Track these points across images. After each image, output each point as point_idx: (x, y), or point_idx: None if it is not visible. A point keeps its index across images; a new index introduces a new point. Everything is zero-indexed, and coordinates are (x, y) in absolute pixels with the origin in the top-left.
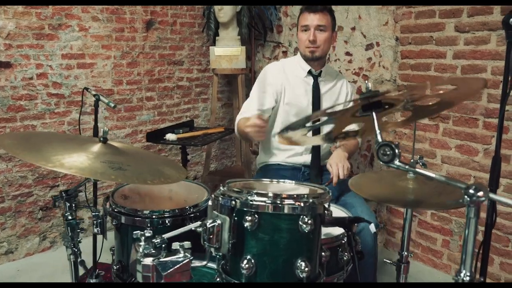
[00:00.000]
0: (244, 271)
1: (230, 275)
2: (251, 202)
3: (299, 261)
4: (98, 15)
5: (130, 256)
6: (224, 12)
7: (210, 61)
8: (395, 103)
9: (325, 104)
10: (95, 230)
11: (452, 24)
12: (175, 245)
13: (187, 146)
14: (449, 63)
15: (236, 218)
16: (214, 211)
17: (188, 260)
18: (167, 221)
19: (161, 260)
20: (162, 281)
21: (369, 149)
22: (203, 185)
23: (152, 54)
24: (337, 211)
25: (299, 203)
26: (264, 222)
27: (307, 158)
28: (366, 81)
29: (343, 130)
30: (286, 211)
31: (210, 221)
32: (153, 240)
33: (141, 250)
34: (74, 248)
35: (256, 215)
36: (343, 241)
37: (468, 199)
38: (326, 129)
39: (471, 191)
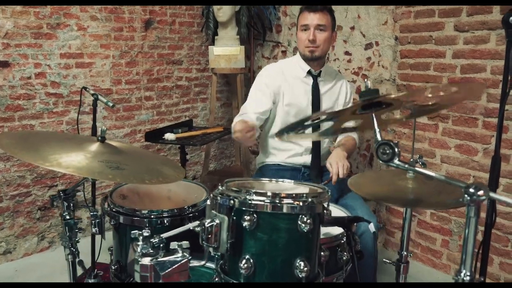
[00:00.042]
0: (242, 271)
1: (229, 275)
2: (249, 202)
3: (298, 261)
4: (96, 14)
5: (128, 256)
6: (223, 12)
7: (209, 60)
8: (394, 103)
9: (324, 104)
10: (94, 230)
11: (451, 23)
12: (173, 245)
13: (186, 145)
14: (449, 63)
15: (234, 218)
16: (212, 211)
17: (186, 260)
18: (165, 221)
19: (159, 260)
20: (160, 281)
21: (368, 148)
22: (202, 185)
23: (151, 53)
24: (336, 211)
25: (298, 203)
26: (262, 222)
27: (307, 159)
28: (366, 80)
29: (342, 126)
30: (285, 210)
31: (208, 220)
32: (151, 240)
33: (139, 249)
34: (72, 248)
35: (254, 215)
36: (342, 241)
37: (469, 198)
38: (325, 126)
39: (472, 190)
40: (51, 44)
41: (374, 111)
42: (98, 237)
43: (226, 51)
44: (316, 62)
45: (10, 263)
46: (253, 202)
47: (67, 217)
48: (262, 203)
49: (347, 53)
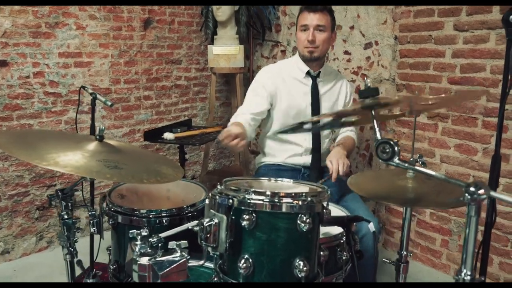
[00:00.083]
0: (241, 271)
1: (228, 274)
2: (248, 201)
3: (297, 260)
4: (95, 13)
5: (126, 256)
6: (222, 11)
7: (208, 60)
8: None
9: (324, 105)
10: (92, 229)
11: (451, 23)
12: (172, 244)
13: (185, 145)
14: (448, 62)
15: (233, 217)
16: (211, 210)
17: (184, 259)
18: (164, 221)
19: (157, 259)
20: (159, 281)
21: (367, 148)
22: (201, 184)
23: (150, 53)
24: (336, 211)
25: (297, 202)
26: (261, 221)
27: (307, 159)
28: (366, 78)
29: (341, 121)
30: (284, 209)
31: (207, 220)
32: (149, 239)
33: (137, 249)
34: (70, 248)
35: (253, 214)
36: (342, 241)
37: (469, 197)
38: (324, 120)
39: (472, 188)
40: (49, 43)
41: (373, 109)
42: (97, 237)
43: (225, 50)
44: (315, 62)
45: (8, 263)
46: (252, 201)
47: (65, 216)
48: (261, 202)
49: (346, 52)
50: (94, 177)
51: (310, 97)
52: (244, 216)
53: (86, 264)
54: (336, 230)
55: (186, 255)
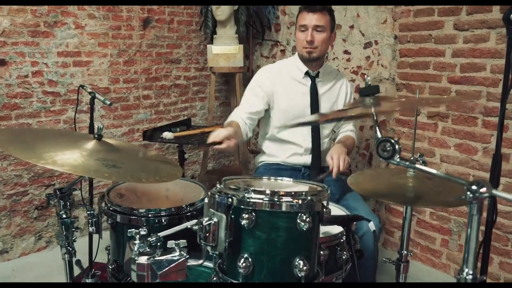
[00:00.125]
0: (241, 270)
1: (227, 274)
2: (248, 200)
3: (297, 260)
4: (94, 12)
5: (125, 255)
6: (222, 11)
7: (208, 59)
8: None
9: (323, 105)
10: (91, 229)
11: (451, 22)
12: (171, 244)
13: (185, 145)
14: (448, 62)
15: (232, 216)
16: (210, 209)
17: (183, 258)
18: (163, 220)
19: (156, 258)
20: (157, 280)
21: (367, 148)
22: (200, 184)
23: (149, 52)
24: (336, 210)
25: (297, 201)
26: (261, 220)
27: (307, 159)
28: (366, 76)
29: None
30: (284, 208)
31: (206, 219)
32: (148, 239)
33: (136, 248)
34: (68, 247)
35: (253, 213)
36: (342, 240)
37: (471, 195)
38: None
39: (474, 187)
40: (48, 42)
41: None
42: (95, 237)
43: (225, 50)
44: (314, 63)
45: (7, 263)
46: (251, 200)
47: (64, 216)
48: (261, 201)
49: (346, 52)
50: (92, 176)
51: (309, 97)
52: (244, 215)
53: (85, 263)
54: (336, 229)
55: (185, 254)
